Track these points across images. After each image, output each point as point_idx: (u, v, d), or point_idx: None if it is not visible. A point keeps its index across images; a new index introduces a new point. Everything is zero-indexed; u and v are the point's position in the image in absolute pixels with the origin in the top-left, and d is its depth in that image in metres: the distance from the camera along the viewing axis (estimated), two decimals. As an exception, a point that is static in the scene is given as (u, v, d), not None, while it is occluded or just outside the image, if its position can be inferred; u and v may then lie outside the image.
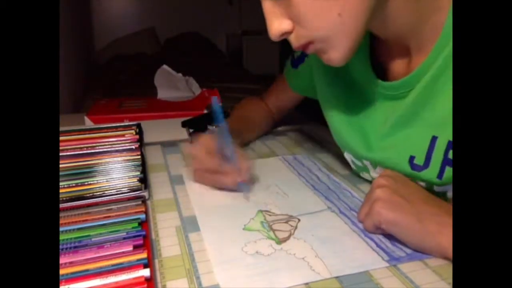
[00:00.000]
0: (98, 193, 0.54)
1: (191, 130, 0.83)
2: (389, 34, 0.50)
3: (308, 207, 0.53)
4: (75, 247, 0.42)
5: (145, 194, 0.55)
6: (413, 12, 0.46)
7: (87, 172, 0.61)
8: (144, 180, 0.58)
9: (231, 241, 0.46)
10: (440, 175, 0.48)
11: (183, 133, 0.84)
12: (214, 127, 0.62)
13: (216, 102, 0.56)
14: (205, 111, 0.99)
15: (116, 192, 0.54)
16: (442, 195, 0.50)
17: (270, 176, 0.63)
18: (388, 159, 0.53)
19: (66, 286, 0.36)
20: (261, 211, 0.52)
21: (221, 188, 0.58)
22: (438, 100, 0.46)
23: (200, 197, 0.56)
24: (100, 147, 0.69)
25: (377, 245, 0.45)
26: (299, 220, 0.50)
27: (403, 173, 0.50)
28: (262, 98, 0.84)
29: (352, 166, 0.62)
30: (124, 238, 0.43)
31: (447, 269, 0.41)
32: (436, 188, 0.50)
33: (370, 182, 0.60)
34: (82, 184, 0.57)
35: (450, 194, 0.50)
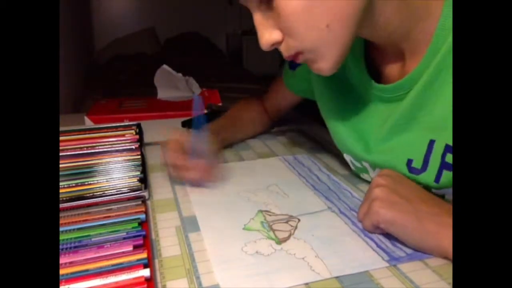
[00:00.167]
0: (98, 193, 0.54)
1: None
2: (381, 40, 0.51)
3: (308, 207, 0.53)
4: (75, 247, 0.42)
5: (145, 194, 0.55)
6: (403, 18, 0.46)
7: (87, 172, 0.61)
8: (144, 180, 0.58)
9: (231, 241, 0.46)
10: (437, 178, 0.48)
11: (183, 133, 0.84)
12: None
13: (197, 97, 0.58)
14: (205, 111, 1.00)
15: (116, 192, 0.54)
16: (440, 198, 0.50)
17: (270, 176, 0.63)
18: (386, 162, 0.53)
19: (66, 286, 0.36)
20: (261, 211, 0.52)
21: (207, 185, 0.59)
22: (435, 104, 0.46)
23: (200, 197, 0.56)
24: (100, 147, 0.69)
25: (377, 245, 0.45)
26: (299, 220, 0.50)
27: None
28: (260, 98, 0.84)
29: (352, 167, 0.62)
30: (124, 238, 0.43)
31: (447, 269, 0.41)
32: (433, 191, 0.50)
33: (370, 182, 0.60)
34: (82, 184, 0.57)
35: (447, 197, 0.50)
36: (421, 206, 0.43)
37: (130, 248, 0.41)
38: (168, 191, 0.59)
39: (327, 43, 0.45)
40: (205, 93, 1.18)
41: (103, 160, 0.65)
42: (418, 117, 0.48)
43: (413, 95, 0.48)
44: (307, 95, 0.72)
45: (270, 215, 0.51)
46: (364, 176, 0.61)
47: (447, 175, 0.47)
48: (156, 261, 0.43)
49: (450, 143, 0.46)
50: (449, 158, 0.46)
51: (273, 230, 0.48)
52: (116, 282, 0.37)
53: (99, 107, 1.05)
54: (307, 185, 0.60)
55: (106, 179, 0.58)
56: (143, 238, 0.44)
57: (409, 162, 0.50)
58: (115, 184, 0.57)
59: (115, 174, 0.60)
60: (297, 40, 0.45)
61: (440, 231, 0.41)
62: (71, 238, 0.43)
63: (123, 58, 3.03)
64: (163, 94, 1.17)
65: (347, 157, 0.62)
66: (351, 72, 0.57)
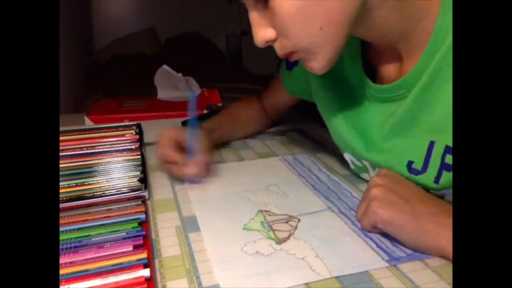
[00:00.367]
0: (98, 193, 0.54)
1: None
2: (377, 39, 0.51)
3: (308, 207, 0.53)
4: (75, 247, 0.42)
5: (145, 194, 0.55)
6: (399, 19, 0.46)
7: (87, 172, 0.61)
8: (144, 180, 0.58)
9: (231, 241, 0.46)
10: (437, 179, 0.48)
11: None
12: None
13: (193, 98, 0.59)
14: (205, 111, 1.00)
15: (116, 192, 0.54)
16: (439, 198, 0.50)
17: (270, 176, 0.63)
18: (387, 162, 0.53)
19: (66, 286, 0.36)
20: (261, 211, 0.52)
21: (193, 180, 0.61)
22: (435, 104, 0.46)
23: (200, 197, 0.56)
24: (100, 147, 0.69)
25: (377, 245, 0.45)
26: (299, 220, 0.50)
27: None
28: (259, 97, 0.84)
29: (352, 166, 0.62)
30: (124, 238, 0.43)
31: (447, 269, 0.41)
32: (432, 192, 0.50)
33: None
34: (82, 184, 0.57)
35: (447, 197, 0.49)
36: (419, 206, 0.43)
37: (130, 248, 0.41)
38: (168, 191, 0.59)
39: (320, 43, 0.45)
40: (205, 93, 1.18)
41: (103, 160, 0.65)
42: (418, 117, 0.48)
43: (413, 96, 0.48)
44: (304, 96, 0.72)
45: (270, 215, 0.51)
46: (364, 175, 0.61)
47: (447, 176, 0.47)
48: (156, 261, 0.43)
49: (450, 144, 0.46)
50: (448, 159, 0.46)
51: (273, 230, 0.48)
52: (116, 282, 0.37)
53: (99, 107, 1.05)
54: (307, 185, 0.60)
55: (106, 179, 0.58)
56: (143, 238, 0.44)
57: (410, 163, 0.50)
58: (115, 184, 0.57)
59: (115, 174, 0.60)
60: (291, 40, 0.45)
61: (438, 231, 0.41)
62: (71, 238, 0.43)
63: (123, 58, 3.03)
64: (163, 94, 1.17)
65: (347, 156, 0.62)
66: (349, 71, 0.57)
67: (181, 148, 0.60)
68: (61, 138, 0.70)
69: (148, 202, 0.55)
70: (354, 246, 0.45)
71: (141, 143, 0.73)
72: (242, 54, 3.61)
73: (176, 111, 1.00)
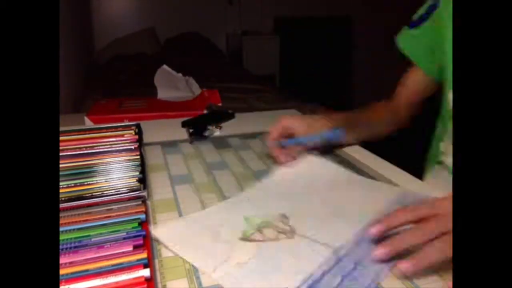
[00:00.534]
0: (98, 193, 0.54)
1: (191, 130, 0.83)
2: None
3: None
4: (75, 247, 0.42)
5: (144, 194, 0.55)
6: None
7: (86, 172, 0.61)
8: (143, 180, 0.58)
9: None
10: None
11: (183, 133, 0.84)
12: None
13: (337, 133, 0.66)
14: (205, 111, 1.00)
15: (115, 192, 0.54)
16: None
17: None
18: None
19: (66, 286, 0.36)
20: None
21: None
22: None
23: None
24: (99, 147, 0.69)
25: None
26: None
27: None
28: (391, 99, 0.82)
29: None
30: (124, 238, 0.43)
31: (447, 269, 0.41)
32: None
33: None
34: (82, 184, 0.57)
35: None
36: None
37: (130, 248, 0.41)
38: (168, 191, 0.59)
39: None
40: (205, 93, 1.18)
41: (103, 160, 0.65)
42: None
43: None
44: (427, 59, 0.67)
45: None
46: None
47: None
48: (156, 261, 0.43)
49: None
50: None
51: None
52: (116, 282, 0.37)
53: (99, 107, 1.05)
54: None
55: (106, 179, 0.58)
56: (143, 238, 0.44)
57: None
58: (114, 184, 0.57)
59: (115, 174, 0.60)
60: None
61: None
62: (71, 238, 0.43)
63: (123, 58, 3.04)
64: (163, 94, 1.17)
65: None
66: None
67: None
68: (61, 138, 0.70)
69: (148, 202, 0.55)
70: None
71: (140, 143, 0.73)
72: (242, 54, 3.61)
73: (176, 111, 1.00)
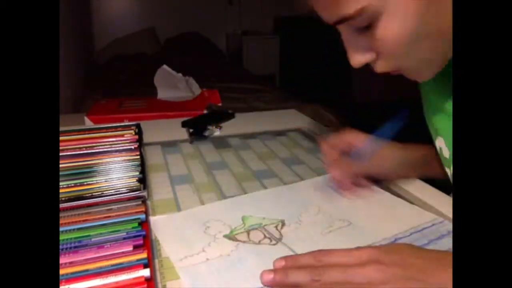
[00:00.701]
0: (97, 193, 0.54)
1: (191, 130, 0.83)
2: None
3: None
4: (75, 247, 0.42)
5: (144, 194, 0.55)
6: None
7: (86, 172, 0.61)
8: (143, 180, 0.58)
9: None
10: None
11: (183, 133, 0.84)
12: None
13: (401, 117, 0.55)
14: (205, 111, 1.00)
15: (115, 192, 0.54)
16: None
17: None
18: None
19: (66, 286, 0.36)
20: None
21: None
22: None
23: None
24: (99, 147, 0.69)
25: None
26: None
27: None
28: None
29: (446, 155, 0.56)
30: (124, 238, 0.43)
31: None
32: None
33: None
34: (82, 184, 0.57)
35: None
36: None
37: (130, 248, 0.41)
38: (168, 191, 0.59)
39: (431, 60, 0.43)
40: (205, 93, 1.18)
41: (103, 160, 0.65)
42: None
43: None
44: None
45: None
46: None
47: None
48: (156, 261, 0.43)
49: None
50: None
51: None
52: (116, 282, 0.37)
53: (99, 107, 1.05)
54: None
55: (106, 179, 0.58)
56: (143, 238, 0.44)
57: None
58: (114, 184, 0.57)
59: (115, 174, 0.60)
60: (396, 61, 0.43)
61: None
62: (71, 238, 0.43)
63: (123, 58, 3.04)
64: (163, 94, 1.17)
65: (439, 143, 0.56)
66: None
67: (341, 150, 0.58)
68: (61, 138, 0.70)
69: (148, 202, 0.55)
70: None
71: (140, 143, 0.73)
72: (242, 54, 3.61)
73: (176, 111, 1.00)
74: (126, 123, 0.84)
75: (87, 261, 0.40)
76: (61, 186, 0.55)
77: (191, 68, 1.74)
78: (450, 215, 0.49)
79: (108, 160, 0.65)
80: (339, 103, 2.47)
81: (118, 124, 0.82)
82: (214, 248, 0.44)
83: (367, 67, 0.47)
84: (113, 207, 0.50)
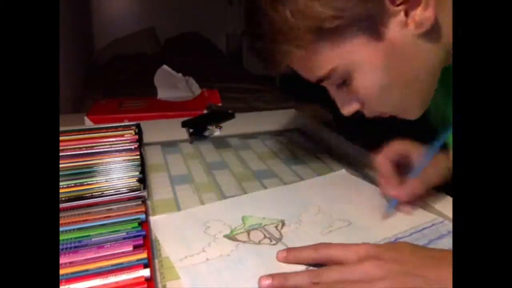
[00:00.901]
0: (97, 193, 0.54)
1: (191, 130, 0.83)
2: None
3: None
4: (75, 247, 0.42)
5: (144, 194, 0.55)
6: None
7: (86, 172, 0.61)
8: (143, 180, 0.58)
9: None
10: None
11: (183, 133, 0.84)
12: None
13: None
14: (205, 111, 1.00)
15: (115, 192, 0.54)
16: None
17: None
18: None
19: (66, 286, 0.36)
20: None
21: None
22: None
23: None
24: (99, 147, 0.69)
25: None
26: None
27: None
28: None
29: None
30: (124, 238, 0.43)
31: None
32: None
33: None
34: (82, 184, 0.57)
35: None
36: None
37: (130, 248, 0.41)
38: (168, 191, 0.59)
39: (414, 101, 0.48)
40: (205, 93, 1.18)
41: (103, 160, 0.65)
42: None
43: None
44: None
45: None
46: None
47: None
48: (156, 261, 0.43)
49: None
50: None
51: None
52: (116, 282, 0.37)
53: (99, 107, 1.05)
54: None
55: (106, 179, 0.58)
56: (143, 238, 0.44)
57: None
58: (114, 184, 0.57)
59: (115, 174, 0.60)
60: (380, 107, 0.48)
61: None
62: (71, 238, 0.43)
63: (123, 58, 3.03)
64: (163, 94, 1.17)
65: None
66: None
67: (404, 165, 0.54)
68: (61, 138, 0.70)
69: (148, 202, 0.55)
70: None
71: (140, 143, 0.73)
72: (242, 54, 3.61)
73: (176, 111, 1.00)
74: (126, 123, 0.84)
75: (87, 261, 0.40)
76: (61, 186, 0.55)
77: (191, 68, 1.74)
78: (450, 215, 0.50)
79: (108, 160, 0.65)
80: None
81: (118, 124, 0.81)
82: (214, 248, 0.44)
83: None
84: (113, 207, 0.50)
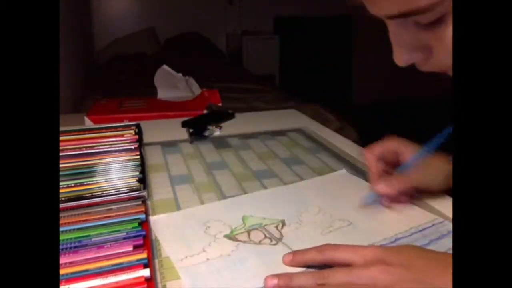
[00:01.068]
0: (97, 193, 0.54)
1: (191, 130, 0.83)
2: None
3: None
4: (75, 247, 0.42)
5: (144, 194, 0.55)
6: None
7: (86, 172, 0.61)
8: (143, 180, 0.58)
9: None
10: None
11: (183, 133, 0.84)
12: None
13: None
14: (205, 111, 1.00)
15: (115, 192, 0.54)
16: None
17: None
18: None
19: (66, 286, 0.36)
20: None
21: None
22: None
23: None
24: (99, 147, 0.69)
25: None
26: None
27: None
28: None
29: None
30: (124, 238, 0.43)
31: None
32: None
33: None
34: (81, 184, 0.57)
35: None
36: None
37: (130, 248, 0.41)
38: (168, 191, 0.59)
39: None
40: (205, 93, 1.18)
41: (103, 160, 0.65)
42: None
43: None
44: None
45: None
46: None
47: None
48: (156, 261, 0.43)
49: None
50: None
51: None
52: (116, 282, 0.37)
53: (99, 107, 1.05)
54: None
55: (105, 179, 0.58)
56: (143, 238, 0.44)
57: None
58: (114, 184, 0.57)
59: (114, 174, 0.60)
60: (450, 62, 0.37)
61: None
62: (71, 238, 0.43)
63: (123, 58, 3.04)
64: (163, 94, 1.17)
65: None
66: None
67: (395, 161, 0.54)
68: (61, 138, 0.70)
69: (148, 202, 0.55)
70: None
71: (140, 143, 0.73)
72: (242, 54, 3.61)
73: (176, 111, 1.00)
74: (126, 123, 0.84)
75: (87, 261, 0.40)
76: (61, 186, 0.55)
77: (191, 68, 1.74)
78: (450, 215, 0.49)
79: (108, 160, 0.65)
80: (339, 103, 2.47)
81: (118, 124, 0.81)
82: (215, 248, 0.44)
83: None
84: (113, 207, 0.50)
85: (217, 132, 0.85)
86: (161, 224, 0.49)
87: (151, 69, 1.28)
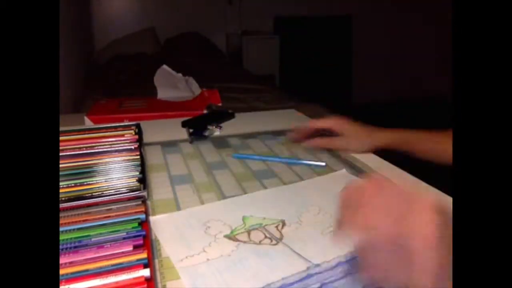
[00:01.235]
0: (97, 193, 0.54)
1: (191, 130, 0.83)
2: None
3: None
4: (75, 247, 0.42)
5: (144, 194, 0.55)
6: None
7: (86, 172, 0.61)
8: (143, 180, 0.58)
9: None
10: None
11: (183, 133, 0.84)
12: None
13: None
14: (205, 111, 1.00)
15: (115, 192, 0.54)
16: None
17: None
18: None
19: (66, 286, 0.36)
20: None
21: None
22: None
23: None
24: (99, 147, 0.69)
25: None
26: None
27: None
28: None
29: None
30: (124, 238, 0.43)
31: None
32: None
33: None
34: (81, 184, 0.57)
35: None
36: None
37: (130, 248, 0.41)
38: (168, 191, 0.59)
39: None
40: (205, 93, 1.18)
41: (103, 160, 0.65)
42: None
43: None
44: None
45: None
46: None
47: None
48: (156, 261, 0.43)
49: None
50: None
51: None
52: (116, 282, 0.37)
53: (99, 107, 1.05)
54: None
55: (105, 179, 0.58)
56: (143, 238, 0.43)
57: None
58: (114, 184, 0.57)
59: (114, 174, 0.60)
60: None
61: None
62: (71, 238, 0.43)
63: (123, 58, 3.03)
64: (163, 94, 1.17)
65: None
66: None
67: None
68: (61, 138, 0.70)
69: (148, 202, 0.55)
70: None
71: (140, 143, 0.73)
72: (242, 54, 3.61)
73: (176, 111, 1.00)
74: (126, 123, 0.84)
75: (87, 261, 0.40)
76: (61, 186, 0.55)
77: (191, 68, 1.74)
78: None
79: (108, 160, 0.65)
80: (339, 103, 2.47)
81: (118, 124, 0.81)
82: (215, 248, 0.44)
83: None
84: (113, 207, 0.50)
85: (217, 132, 0.85)
86: (161, 224, 0.49)
87: (151, 69, 1.28)
